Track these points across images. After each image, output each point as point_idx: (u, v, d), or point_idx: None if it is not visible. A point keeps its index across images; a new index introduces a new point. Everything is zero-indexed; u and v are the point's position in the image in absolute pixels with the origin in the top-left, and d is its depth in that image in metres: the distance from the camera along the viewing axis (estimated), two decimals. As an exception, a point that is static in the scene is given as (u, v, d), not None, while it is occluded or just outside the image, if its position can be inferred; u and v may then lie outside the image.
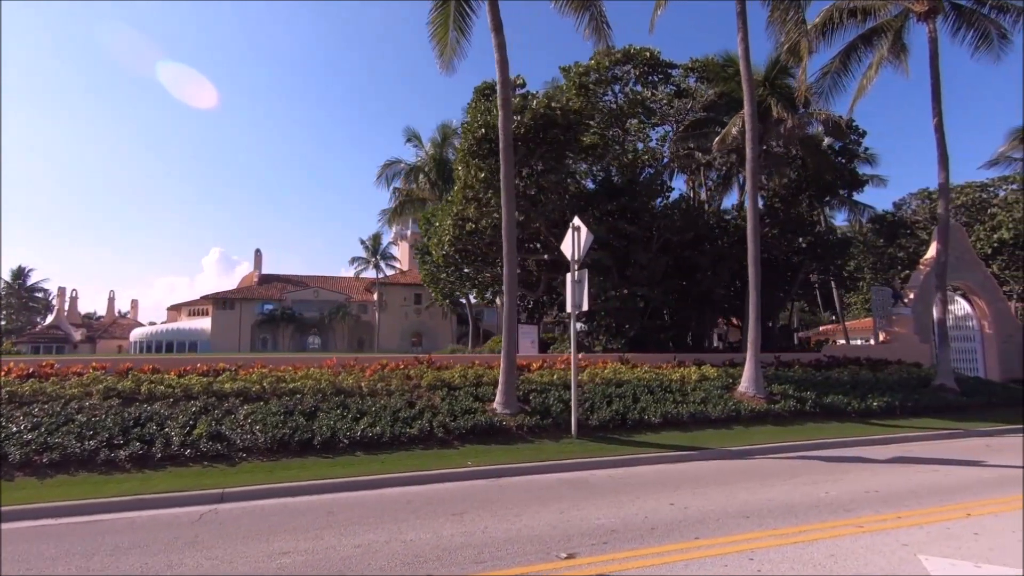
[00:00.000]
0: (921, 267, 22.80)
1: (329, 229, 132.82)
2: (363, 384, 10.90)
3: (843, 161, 19.86)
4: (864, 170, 33.20)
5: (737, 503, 6.51)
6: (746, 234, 12.72)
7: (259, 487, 7.19)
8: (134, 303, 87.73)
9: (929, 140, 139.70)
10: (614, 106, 18.15)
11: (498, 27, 10.92)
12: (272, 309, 62.80)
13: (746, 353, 13.03)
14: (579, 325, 19.73)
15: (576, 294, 10.27)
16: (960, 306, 24.24)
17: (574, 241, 10.40)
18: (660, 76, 18.68)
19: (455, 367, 12.35)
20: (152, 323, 76.43)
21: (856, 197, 35.92)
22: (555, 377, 12.28)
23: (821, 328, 42.50)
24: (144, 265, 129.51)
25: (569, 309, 10.44)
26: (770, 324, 20.26)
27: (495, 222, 15.43)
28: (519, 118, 15.68)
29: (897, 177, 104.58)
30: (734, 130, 15.83)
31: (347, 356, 13.19)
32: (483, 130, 15.67)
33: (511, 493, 7.18)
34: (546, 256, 17.38)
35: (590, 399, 11.30)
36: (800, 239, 19.99)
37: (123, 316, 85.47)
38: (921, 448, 10.24)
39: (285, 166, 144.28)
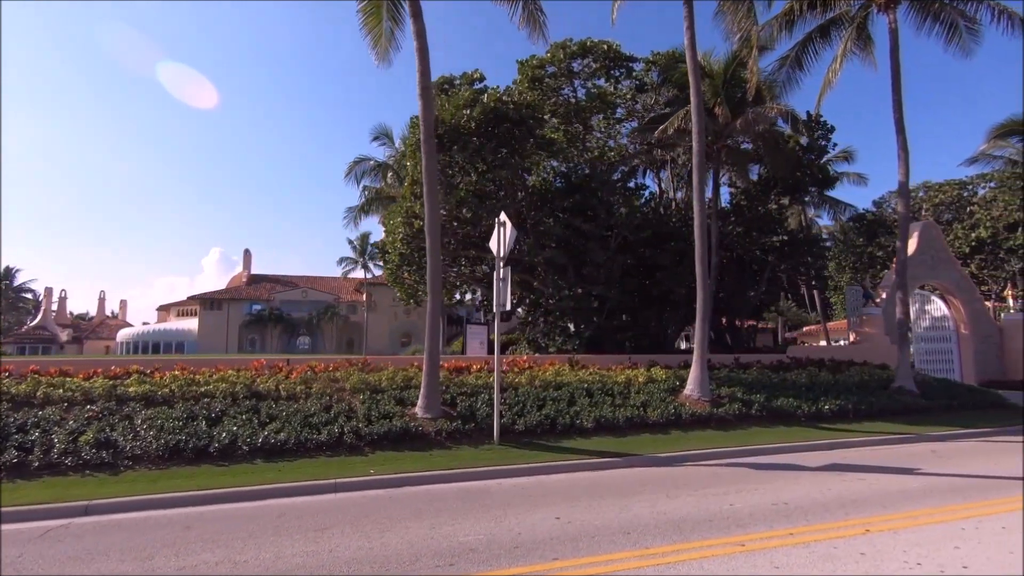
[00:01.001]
0: (894, 266, 22.32)
1: (329, 229, 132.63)
2: (282, 387, 10.43)
3: (812, 157, 19.37)
4: (842, 168, 32.87)
5: (626, 517, 6.04)
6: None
7: (126, 499, 6.72)
8: (123, 303, 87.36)
9: (911, 137, 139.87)
10: (572, 100, 17.64)
11: (417, 13, 10.45)
12: (260, 310, 62.28)
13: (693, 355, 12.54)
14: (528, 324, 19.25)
15: (500, 292, 9.81)
16: (937, 306, 23.76)
17: (499, 237, 9.94)
18: (622, 71, 18.19)
19: (388, 369, 11.88)
20: (146, 323, 75.95)
21: (837, 196, 35.34)
22: (491, 380, 11.80)
23: (805, 329, 42.08)
24: (144, 265, 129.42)
25: (494, 308, 9.97)
26: (737, 324, 19.78)
27: (441, 219, 14.97)
28: (468, 112, 15.23)
29: (880, 175, 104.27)
30: (677, 123, 15.33)
31: (278, 357, 12.73)
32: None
33: (397, 505, 6.71)
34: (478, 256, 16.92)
35: (522, 402, 10.84)
36: (768, 237, 19.49)
37: (113, 317, 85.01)
38: (861, 454, 9.76)
39: (285, 166, 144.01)
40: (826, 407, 12.32)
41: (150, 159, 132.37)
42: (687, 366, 14.97)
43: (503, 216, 10.06)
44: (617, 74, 18.31)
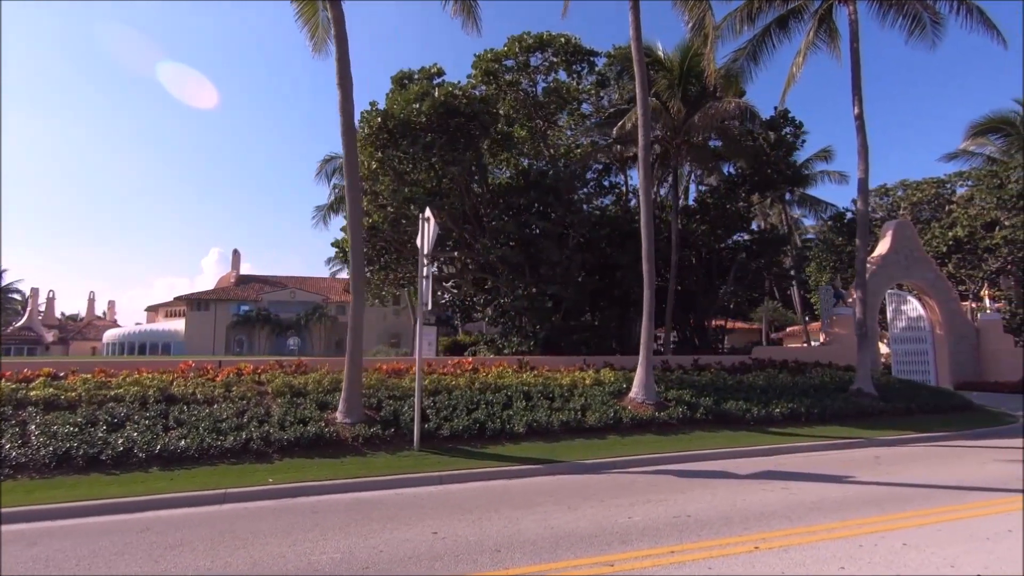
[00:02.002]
0: (868, 266, 21.91)
1: (325, 229, 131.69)
2: (199, 391, 9.98)
3: (781, 154, 18.95)
4: (821, 167, 32.49)
5: (508, 533, 5.60)
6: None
7: (-17, 512, 6.26)
8: (111, 304, 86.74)
9: (891, 135, 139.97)
10: (532, 95, 17.20)
11: (336, -1, 10.01)
12: (247, 310, 61.74)
13: (639, 356, 12.09)
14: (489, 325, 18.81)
15: (424, 291, 9.37)
16: (913, 307, 23.35)
17: (423, 233, 9.50)
18: (584, 65, 17.77)
19: (319, 371, 11.43)
20: (139, 324, 75.36)
21: (819, 195, 34.78)
22: (426, 382, 11.36)
23: (788, 329, 41.72)
24: (144, 266, 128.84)
25: (419, 307, 9.52)
26: (706, 324, 19.36)
27: (389, 216, 14.55)
28: (418, 106, 14.80)
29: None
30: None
31: (207, 359, 12.27)
32: (379, 119, 14.76)
33: (276, 518, 6.26)
34: (456, 253, 16.49)
35: (453, 406, 10.39)
36: (735, 236, 19.06)
37: (102, 317, 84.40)
38: (800, 461, 9.34)
39: (285, 166, 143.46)
40: (776, 411, 11.89)
41: (150, 159, 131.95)
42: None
43: (428, 212, 9.63)
44: (579, 69, 17.90)
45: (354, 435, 9.13)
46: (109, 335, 64.85)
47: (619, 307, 17.36)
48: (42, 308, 77.66)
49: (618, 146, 17.59)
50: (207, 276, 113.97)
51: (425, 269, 9.46)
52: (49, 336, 71.77)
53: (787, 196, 33.40)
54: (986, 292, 23.30)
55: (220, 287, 68.06)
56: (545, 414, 10.47)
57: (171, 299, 69.27)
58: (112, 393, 9.54)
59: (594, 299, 16.87)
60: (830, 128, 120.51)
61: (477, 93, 15.72)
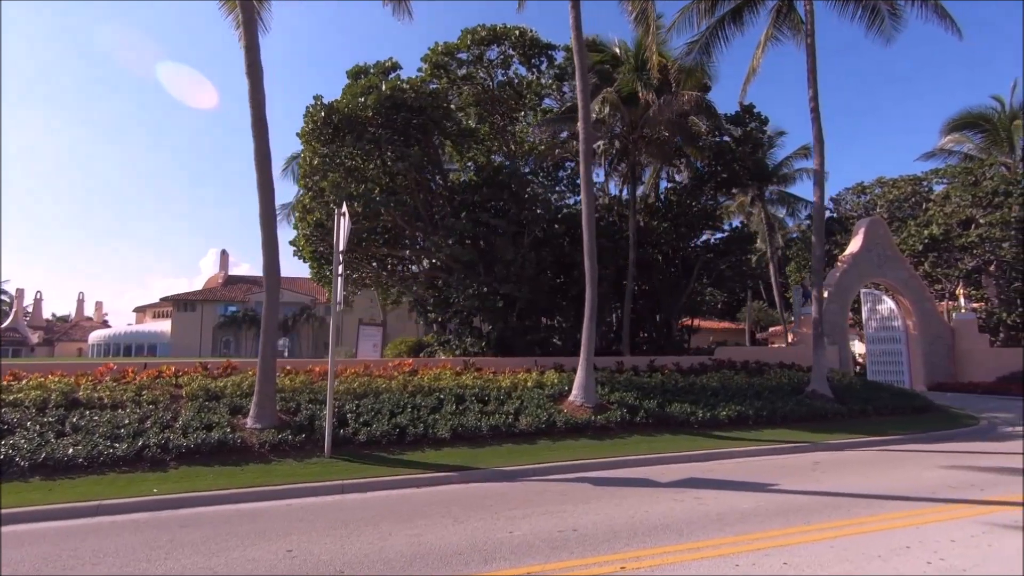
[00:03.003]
0: (839, 264, 21.56)
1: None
2: (107, 395, 9.52)
3: (748, 150, 18.51)
4: (802, 164, 32.10)
5: (369, 551, 5.16)
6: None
7: None
8: (98, 305, 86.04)
9: (870, 132, 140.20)
10: (488, 90, 16.74)
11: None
12: (234, 311, 61.23)
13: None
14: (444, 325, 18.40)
15: (336, 288, 8.93)
16: (887, 306, 22.99)
17: (338, 228, 9.06)
18: (543, 59, 17.33)
19: (245, 374, 10.98)
20: (130, 325, 74.72)
21: (799, 193, 34.41)
22: (356, 385, 10.92)
23: (771, 329, 41.36)
24: (142, 267, 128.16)
25: (333, 305, 9.09)
26: (669, 324, 18.91)
27: (331, 212, 14.08)
28: (363, 100, 14.36)
29: (837, 171, 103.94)
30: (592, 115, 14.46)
31: (128, 362, 11.80)
32: (323, 112, 14.31)
33: (135, 534, 5.81)
34: (408, 252, 16.05)
35: (377, 410, 9.94)
36: (700, 234, 18.62)
37: (92, 319, 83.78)
38: (732, 467, 8.90)
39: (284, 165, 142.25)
40: (723, 414, 11.46)
41: (150, 159, 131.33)
42: (595, 368, 14.15)
43: (344, 207, 9.18)
44: (538, 63, 17.45)
45: (262, 441, 8.68)
46: (95, 336, 64.28)
47: (578, 306, 16.87)
48: (30, 309, 77.08)
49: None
50: (205, 277, 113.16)
51: (341, 267, 9.02)
52: (34, 337, 71.13)
53: (767, 194, 33.09)
54: (961, 291, 22.89)
55: (208, 288, 67.58)
56: (475, 418, 10.03)
57: (157, 300, 68.66)
58: (11, 398, 9.07)
59: (552, 298, 16.43)
60: (804, 124, 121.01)
61: (430, 87, 15.27)
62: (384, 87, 14.41)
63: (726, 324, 53.21)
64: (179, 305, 60.90)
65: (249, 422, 9.05)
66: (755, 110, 18.56)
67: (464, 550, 5.13)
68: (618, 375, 13.32)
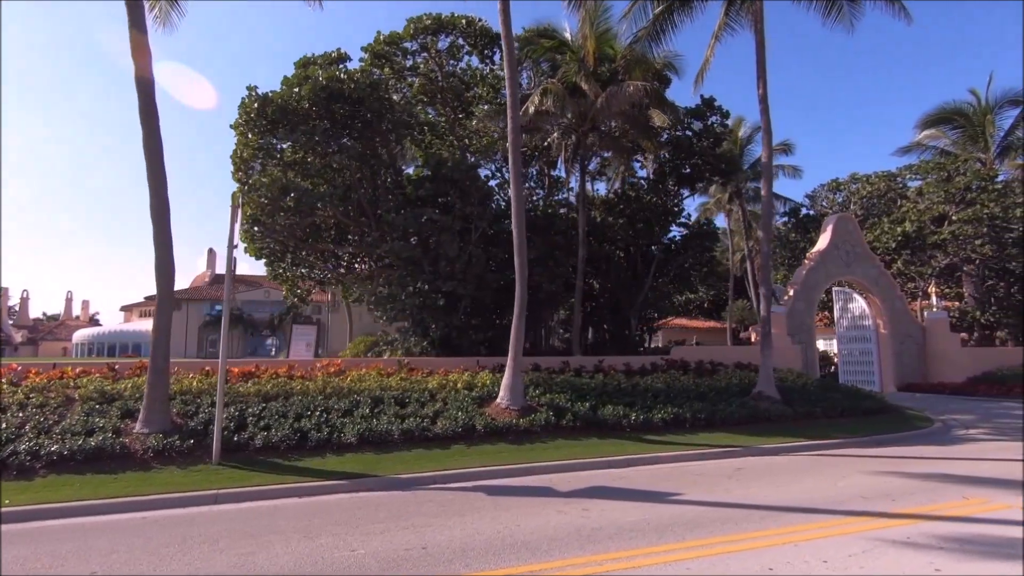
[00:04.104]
0: (806, 261, 21.08)
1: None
2: (-8, 397, 9.01)
3: (709, 144, 17.99)
4: (780, 161, 31.61)
5: (185, 572, 4.66)
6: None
7: None
8: (85, 304, 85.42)
9: (850, 129, 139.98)
10: (435, 80, 16.19)
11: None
12: (220, 311, 60.61)
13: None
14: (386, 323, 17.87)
15: (228, 283, 8.42)
16: (858, 304, 22.50)
17: (232, 222, 8.55)
18: (497, 49, 16.79)
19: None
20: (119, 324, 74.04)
21: (778, 190, 33.88)
22: (269, 387, 10.42)
23: (750, 328, 40.87)
24: (143, 267, 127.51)
25: (225, 303, 8.58)
26: (628, 323, 18.39)
27: (266, 208, 13.58)
28: (298, 90, 13.85)
29: (814, 167, 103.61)
30: (537, 103, 13.98)
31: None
32: (256, 103, 13.80)
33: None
34: (350, 249, 15.55)
35: (283, 413, 9.43)
36: (661, 230, 18.08)
37: (77, 318, 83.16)
38: (646, 474, 8.41)
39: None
40: (658, 416, 10.97)
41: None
42: (535, 369, 13.70)
43: (238, 198, 8.67)
44: (491, 53, 16.93)
45: (146, 447, 8.17)
46: (79, 336, 63.75)
47: (531, 304, 16.37)
48: (16, 308, 76.47)
49: (524, 135, 16.59)
50: (203, 277, 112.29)
51: (234, 263, 8.52)
52: (18, 337, 70.56)
53: (746, 192, 32.61)
54: (933, 289, 22.41)
55: (194, 287, 67.04)
56: (387, 422, 9.53)
57: (142, 299, 68.16)
58: None
59: (501, 296, 15.92)
60: (792, 123, 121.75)
61: (372, 78, 14.73)
62: (321, 77, 13.89)
63: (711, 323, 52.76)
64: (164, 304, 60.10)
65: (138, 426, 8.54)
66: (716, 103, 18.04)
67: (288, 570, 4.64)
68: (557, 376, 12.82)
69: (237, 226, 8.44)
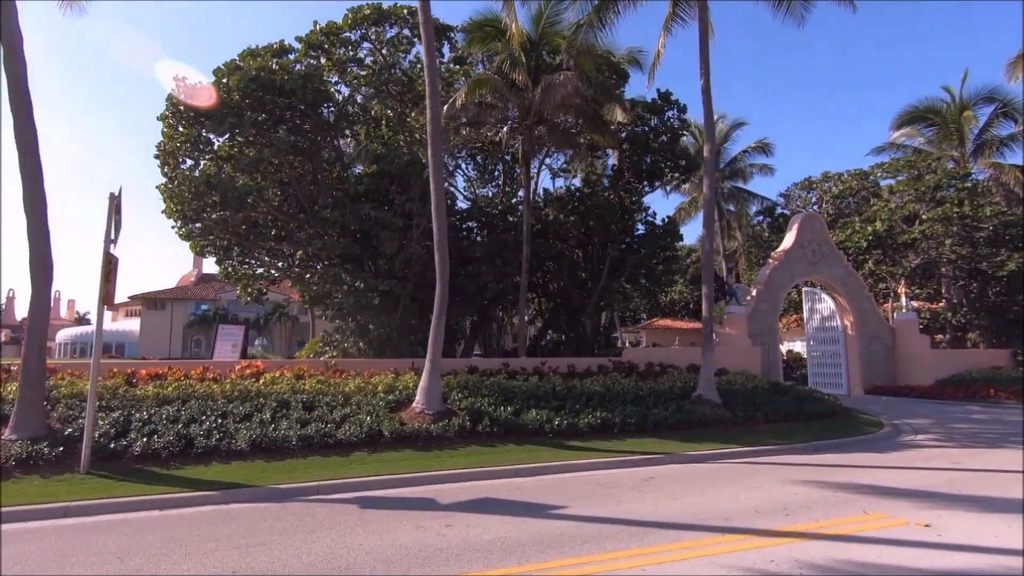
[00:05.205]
0: (771, 261, 20.58)
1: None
2: None
3: (666, 139, 17.48)
4: (757, 160, 31.16)
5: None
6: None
7: None
8: (71, 303, 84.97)
9: (826, 128, 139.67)
10: (378, 73, 15.64)
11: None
12: (205, 310, 60.09)
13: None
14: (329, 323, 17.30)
15: (102, 283, 7.90)
16: (827, 305, 22.02)
17: (108, 219, 8.03)
18: (445, 42, 16.31)
19: (54, 376, 9.94)
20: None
21: (753, 189, 33.47)
22: (170, 389, 9.91)
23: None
24: (142, 267, 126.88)
25: (104, 304, 8.06)
26: (581, 323, 17.89)
27: (190, 203, 13.06)
28: (227, 81, 13.34)
29: (787, 164, 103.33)
30: (468, 95, 13.45)
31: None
32: (183, 94, 13.27)
33: None
34: (286, 245, 15.04)
35: (173, 418, 8.92)
36: (612, 228, 17.52)
37: (62, 318, 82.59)
38: (546, 484, 7.90)
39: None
40: (584, 421, 10.47)
41: (150, 159, 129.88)
42: (471, 370, 13.20)
43: (119, 192, 8.16)
44: (439, 45, 16.41)
45: (10, 455, 7.65)
46: (62, 335, 63.18)
47: (474, 304, 15.91)
48: (3, 308, 75.86)
49: (466, 129, 16.11)
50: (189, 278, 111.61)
51: (115, 261, 8.00)
52: (2, 336, 70.00)
53: (722, 190, 32.12)
54: (903, 290, 21.92)
55: (179, 286, 66.50)
56: (286, 427, 9.02)
57: (126, 298, 67.64)
58: None
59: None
60: (770, 124, 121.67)
61: (307, 69, 14.21)
62: (251, 68, 13.38)
63: (697, 324, 52.25)
64: (149, 303, 59.70)
65: (7, 432, 8.02)
66: (672, 98, 17.53)
67: (46, 604, 4.13)
68: (487, 379, 12.30)
69: (116, 222, 7.91)
